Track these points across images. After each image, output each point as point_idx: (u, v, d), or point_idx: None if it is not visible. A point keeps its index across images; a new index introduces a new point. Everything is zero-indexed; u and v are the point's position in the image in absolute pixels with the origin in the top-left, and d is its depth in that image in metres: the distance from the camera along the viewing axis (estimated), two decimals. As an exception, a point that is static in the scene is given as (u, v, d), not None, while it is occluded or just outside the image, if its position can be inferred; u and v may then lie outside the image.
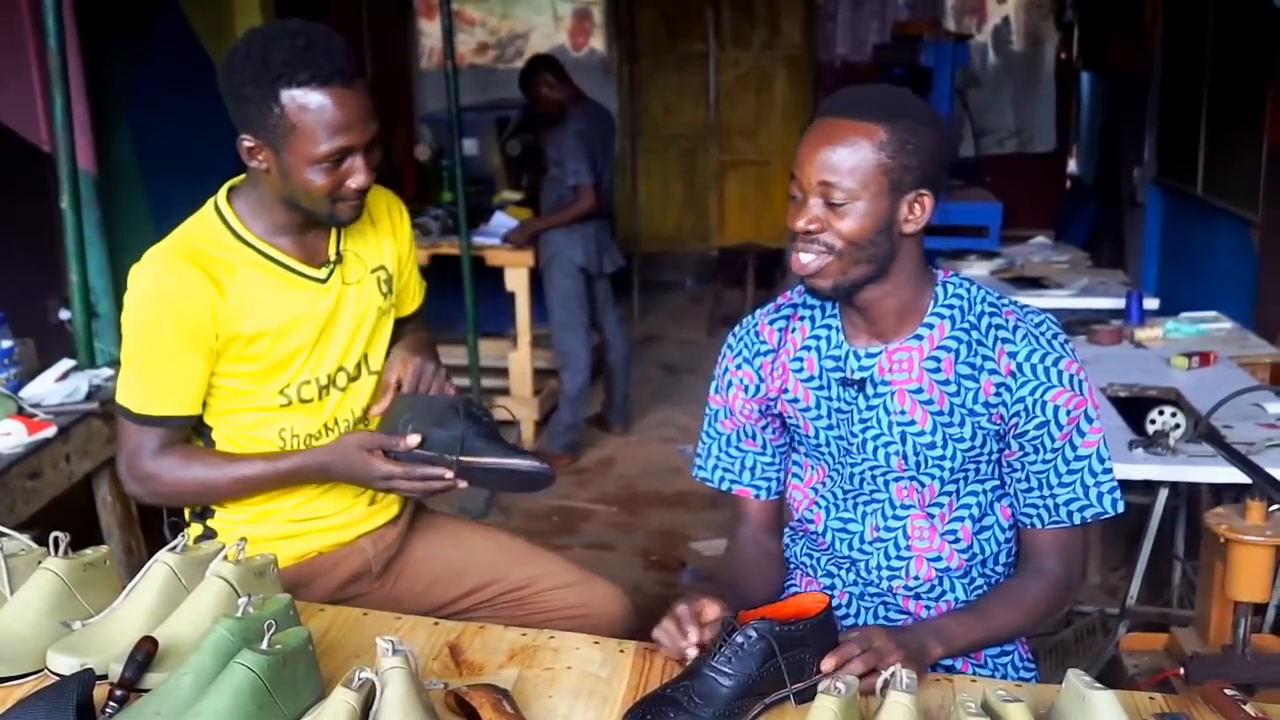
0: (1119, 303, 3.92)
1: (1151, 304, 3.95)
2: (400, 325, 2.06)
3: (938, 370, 1.62)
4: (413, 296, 2.10)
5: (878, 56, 7.44)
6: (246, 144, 1.72)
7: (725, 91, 8.29)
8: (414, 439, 1.73)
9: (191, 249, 1.78)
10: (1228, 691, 1.44)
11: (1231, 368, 3.21)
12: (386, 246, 1.97)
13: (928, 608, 1.72)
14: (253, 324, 1.79)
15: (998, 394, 1.60)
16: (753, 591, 1.72)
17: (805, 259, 1.58)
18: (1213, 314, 3.76)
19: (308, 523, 1.93)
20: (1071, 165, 8.05)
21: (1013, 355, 1.59)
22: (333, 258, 1.87)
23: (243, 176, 1.85)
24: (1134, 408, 2.91)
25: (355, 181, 1.72)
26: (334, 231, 1.88)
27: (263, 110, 1.67)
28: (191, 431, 1.87)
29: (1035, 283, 4.36)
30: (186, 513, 1.95)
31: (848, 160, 1.51)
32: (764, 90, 8.26)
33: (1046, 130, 8.34)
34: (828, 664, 1.41)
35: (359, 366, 1.93)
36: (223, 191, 1.85)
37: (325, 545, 1.95)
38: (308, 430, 1.89)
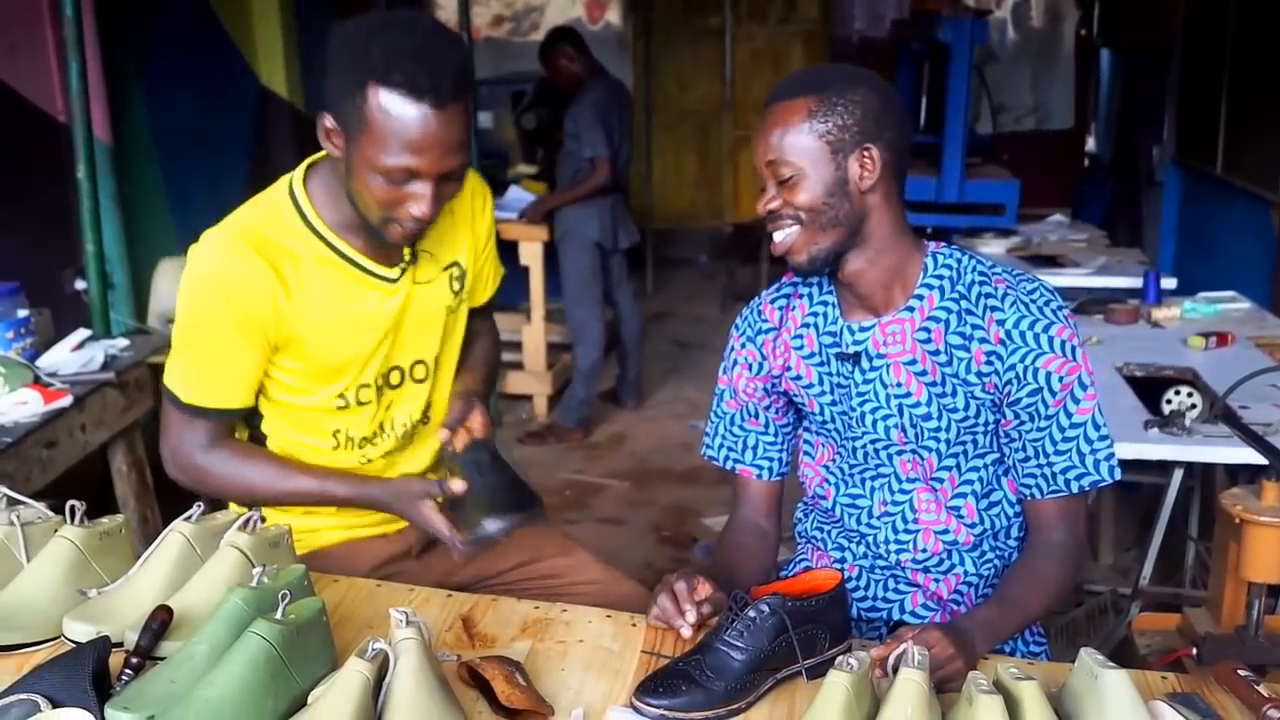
0: (1136, 282, 3.90)
1: (1169, 283, 3.92)
2: (472, 317, 1.96)
3: (929, 341, 1.63)
4: (486, 285, 1.99)
5: (895, 32, 7.37)
6: (326, 124, 1.61)
7: (741, 67, 8.25)
8: (459, 485, 1.69)
9: (259, 235, 1.67)
10: (1240, 672, 1.43)
11: (1249, 348, 3.19)
12: (463, 239, 1.87)
13: (936, 580, 1.74)
14: (315, 323, 1.70)
15: (989, 362, 1.60)
16: (742, 575, 1.72)
17: (777, 238, 1.63)
18: (1231, 294, 3.73)
19: (356, 516, 1.89)
20: (1090, 143, 8.00)
21: (1001, 323, 1.59)
22: (407, 257, 1.76)
23: (322, 154, 1.72)
24: (1150, 388, 2.90)
25: (416, 209, 1.59)
26: None
27: (349, 96, 1.55)
28: (240, 420, 1.81)
29: (1052, 261, 4.34)
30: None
31: (785, 137, 1.57)
32: (780, 66, 8.20)
33: (1065, 108, 8.28)
34: (879, 652, 1.38)
35: (424, 367, 1.85)
36: (300, 170, 1.74)
37: (372, 533, 1.92)
38: (362, 433, 1.82)
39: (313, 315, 1.70)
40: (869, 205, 1.59)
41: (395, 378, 1.83)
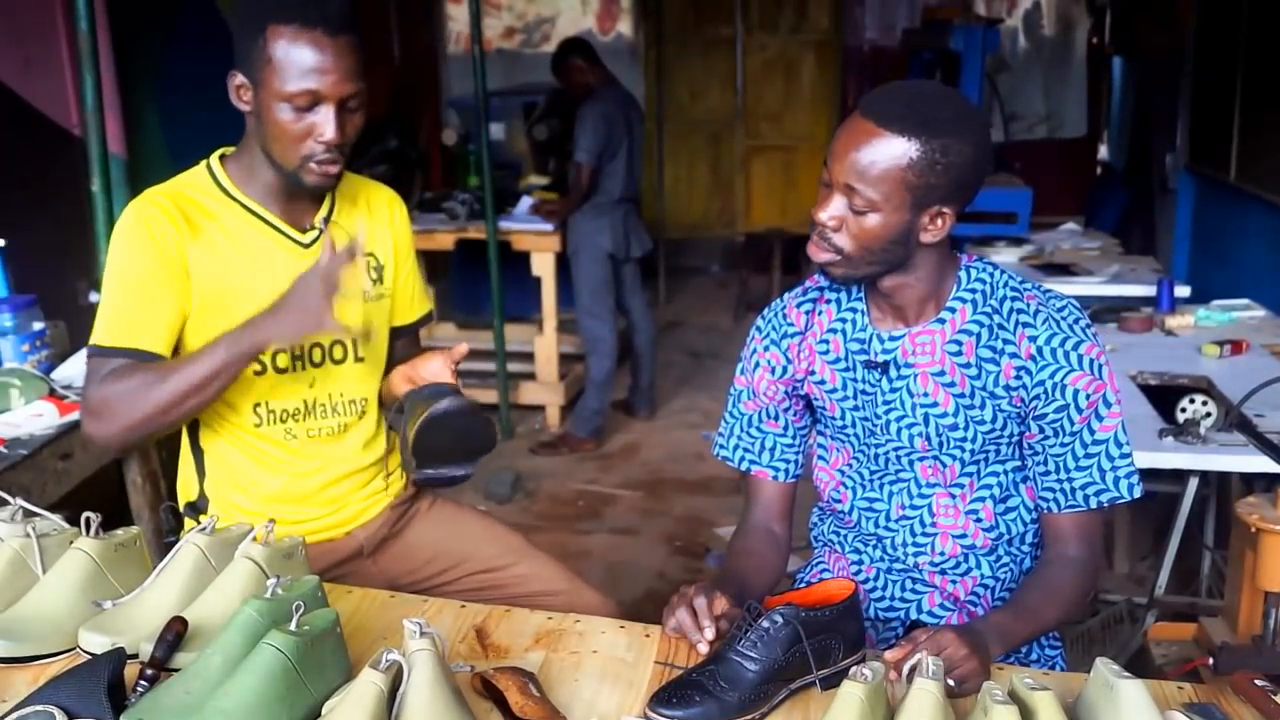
0: (1150, 290, 3.88)
1: (1183, 291, 3.91)
2: (396, 336, 2.02)
3: (959, 353, 1.63)
4: (412, 304, 2.06)
5: (907, 41, 7.38)
6: (235, 81, 1.76)
7: (752, 76, 8.25)
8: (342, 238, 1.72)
9: (175, 192, 1.82)
10: (1257, 682, 1.43)
11: (1264, 356, 3.17)
12: (381, 236, 1.96)
13: (953, 582, 1.74)
14: (227, 271, 1.79)
15: (1018, 377, 1.61)
16: (753, 580, 1.73)
17: (820, 257, 1.60)
18: (1245, 302, 3.72)
19: (300, 524, 1.89)
20: (1102, 151, 7.98)
21: (1033, 339, 1.60)
22: (319, 225, 1.87)
23: (232, 148, 1.87)
24: (1164, 396, 2.89)
25: (323, 135, 1.72)
26: (326, 204, 1.88)
27: (251, 45, 1.71)
28: None
29: (1065, 269, 4.32)
30: (180, 504, 1.96)
31: (874, 169, 1.50)
32: (791, 75, 8.22)
33: (1077, 116, 8.26)
34: (893, 655, 1.39)
35: (342, 348, 1.90)
36: (214, 155, 1.88)
37: (321, 537, 1.93)
38: (284, 407, 1.87)
39: (224, 262, 1.79)
40: (922, 249, 1.59)
41: (317, 355, 1.89)
